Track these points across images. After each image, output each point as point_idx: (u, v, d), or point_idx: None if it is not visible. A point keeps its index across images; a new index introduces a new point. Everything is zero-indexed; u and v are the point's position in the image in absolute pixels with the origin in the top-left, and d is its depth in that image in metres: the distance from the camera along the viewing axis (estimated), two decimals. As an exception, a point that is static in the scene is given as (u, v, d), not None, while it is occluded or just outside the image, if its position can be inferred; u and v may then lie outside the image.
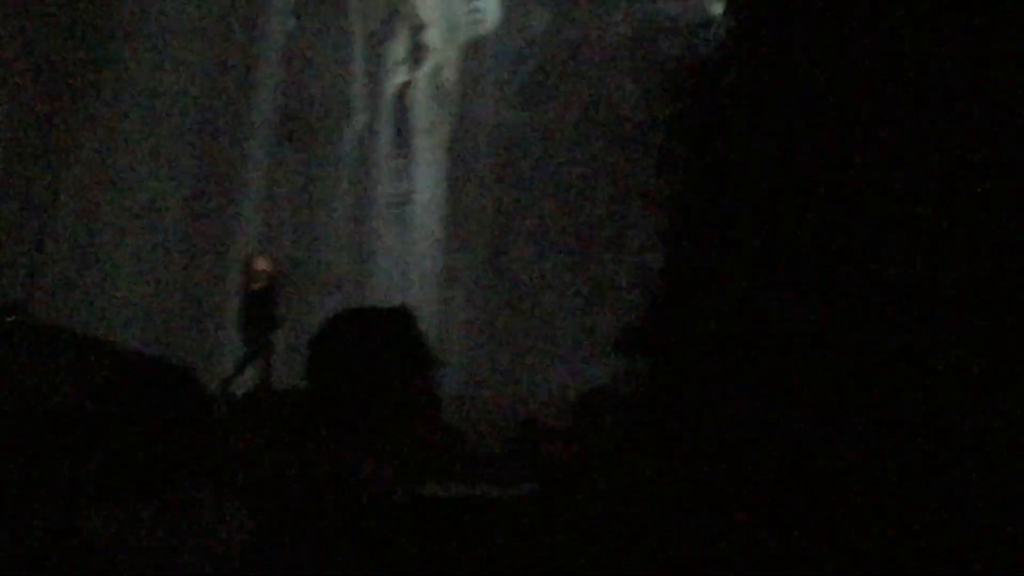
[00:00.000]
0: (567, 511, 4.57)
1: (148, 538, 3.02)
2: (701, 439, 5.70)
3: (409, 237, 29.06)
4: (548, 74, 35.08)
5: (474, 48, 32.08)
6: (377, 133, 26.26)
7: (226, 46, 17.56)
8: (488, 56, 32.61)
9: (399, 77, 28.22)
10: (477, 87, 32.38)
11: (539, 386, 32.55)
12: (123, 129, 15.22)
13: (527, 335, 36.92)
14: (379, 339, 2.39)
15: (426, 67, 29.98)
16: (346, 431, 2.34)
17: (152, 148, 15.45)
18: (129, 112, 15.33)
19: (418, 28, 29.03)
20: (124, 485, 3.10)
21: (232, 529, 2.62)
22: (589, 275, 37.81)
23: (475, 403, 16.74)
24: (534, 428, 10.67)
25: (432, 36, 29.80)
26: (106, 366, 3.34)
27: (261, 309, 16.26)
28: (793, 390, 2.15)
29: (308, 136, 23.26)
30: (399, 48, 27.92)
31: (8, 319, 10.04)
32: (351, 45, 24.44)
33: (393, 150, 27.96)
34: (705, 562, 4.19)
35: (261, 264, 16.71)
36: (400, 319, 2.46)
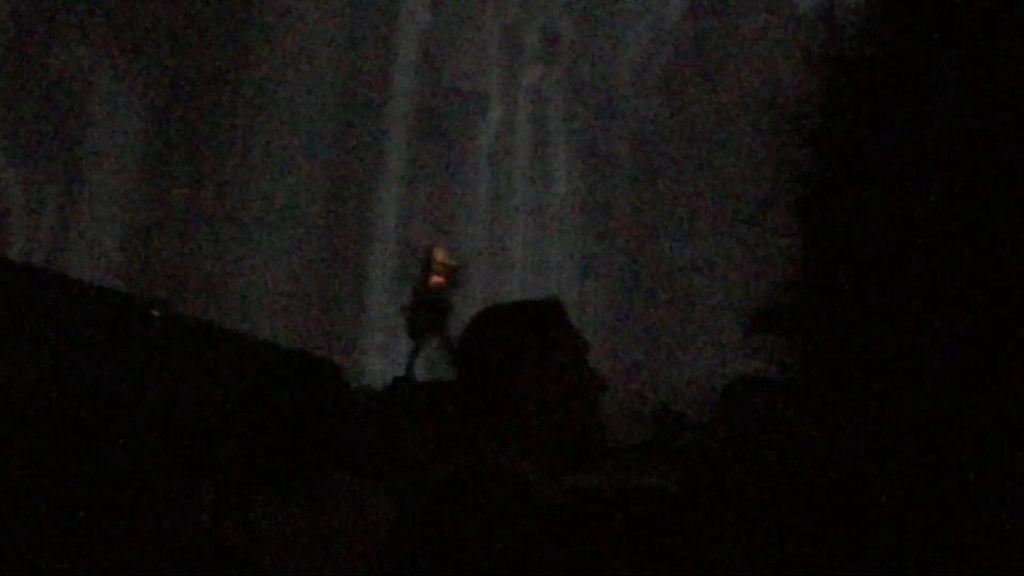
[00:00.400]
0: (708, 502, 4.53)
1: (296, 528, 3.05)
2: (839, 431, 5.61)
3: (546, 230, 29.06)
4: (684, 64, 34.92)
5: (610, 38, 32.01)
6: (513, 125, 26.27)
7: (364, 41, 17.72)
8: (625, 46, 32.53)
9: (536, 69, 28.19)
10: (613, 77, 32.31)
11: (680, 376, 32.49)
12: (264, 126, 15.44)
13: (667, 326, 36.88)
14: (538, 329, 2.36)
15: (562, 58, 29.92)
16: (496, 424, 2.32)
17: (292, 145, 15.64)
18: (269, 109, 15.54)
19: (553, 19, 28.97)
20: (271, 477, 3.13)
21: (377, 519, 2.63)
22: (731, 263, 37.63)
23: (616, 394, 16.75)
24: (670, 417, 10.62)
25: (567, 27, 29.74)
26: (249, 360, 3.39)
27: (438, 303, 16.37)
28: (929, 386, 2.08)
29: (445, 129, 23.37)
30: (535, 40, 27.90)
31: (154, 313, 10.25)
32: (487, 37, 24.49)
33: (530, 141, 27.95)
34: (838, 554, 4.14)
35: (441, 256, 16.83)
36: (552, 311, 2.43)
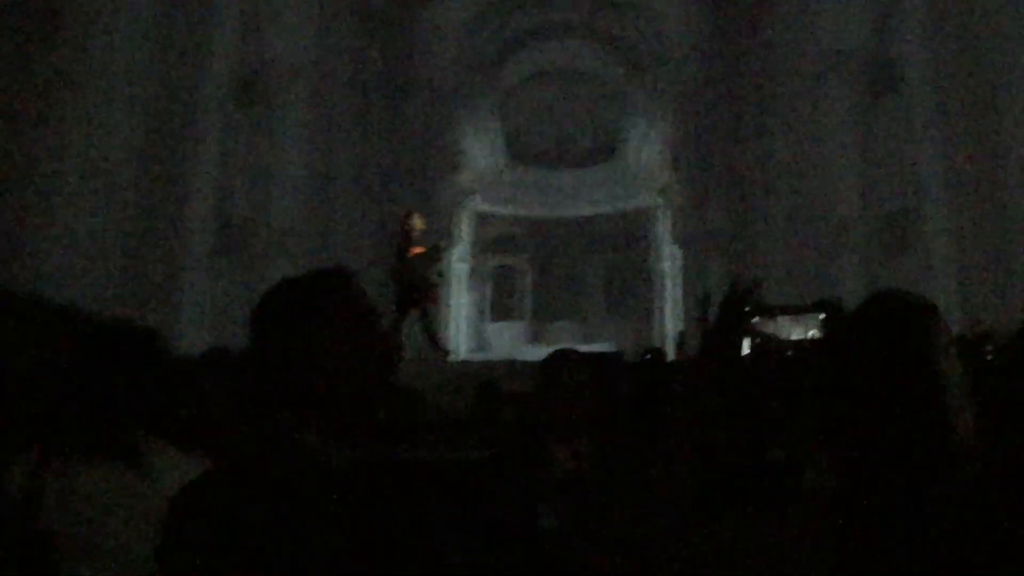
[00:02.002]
0: (526, 475, 4.56)
1: (114, 495, 3.01)
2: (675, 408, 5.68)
3: (368, 202, 28.98)
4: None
5: (429, 12, 31.94)
6: (334, 96, 26.12)
7: (183, 8, 17.46)
8: (443, 24, 32.54)
9: (356, 40, 28.04)
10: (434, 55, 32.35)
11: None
12: (77, 89, 15.08)
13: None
14: (319, 300, 2.36)
15: (382, 28, 29.84)
16: (286, 395, 2.31)
17: (106, 111, 15.32)
18: (82, 72, 15.18)
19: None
20: (88, 445, 3.09)
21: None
22: (555, 237, 38.04)
23: (436, 368, 16.77)
24: (493, 392, 10.68)
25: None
26: (66, 330, 3.33)
27: (423, 277, 15.89)
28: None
29: (261, 99, 23.15)
30: (351, 12, 27.75)
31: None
32: (306, 7, 24.27)
33: (350, 113, 27.82)
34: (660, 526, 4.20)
35: (420, 223, 16.33)
36: (337, 280, 2.43)
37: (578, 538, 4.41)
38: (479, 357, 31.48)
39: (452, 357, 20.28)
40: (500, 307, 37.99)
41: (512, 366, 16.01)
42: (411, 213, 16.58)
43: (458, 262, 34.79)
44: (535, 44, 35.56)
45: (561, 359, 4.87)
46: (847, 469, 2.07)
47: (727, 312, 2.40)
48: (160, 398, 3.33)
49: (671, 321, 33.59)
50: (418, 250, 15.90)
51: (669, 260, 34.54)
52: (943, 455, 1.97)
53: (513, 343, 34.86)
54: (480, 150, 35.79)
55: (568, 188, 37.80)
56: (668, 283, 34.73)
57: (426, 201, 31.26)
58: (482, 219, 36.75)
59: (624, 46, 34.45)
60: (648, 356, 9.84)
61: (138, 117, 16.02)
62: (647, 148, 35.58)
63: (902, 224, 20.86)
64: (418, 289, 15.91)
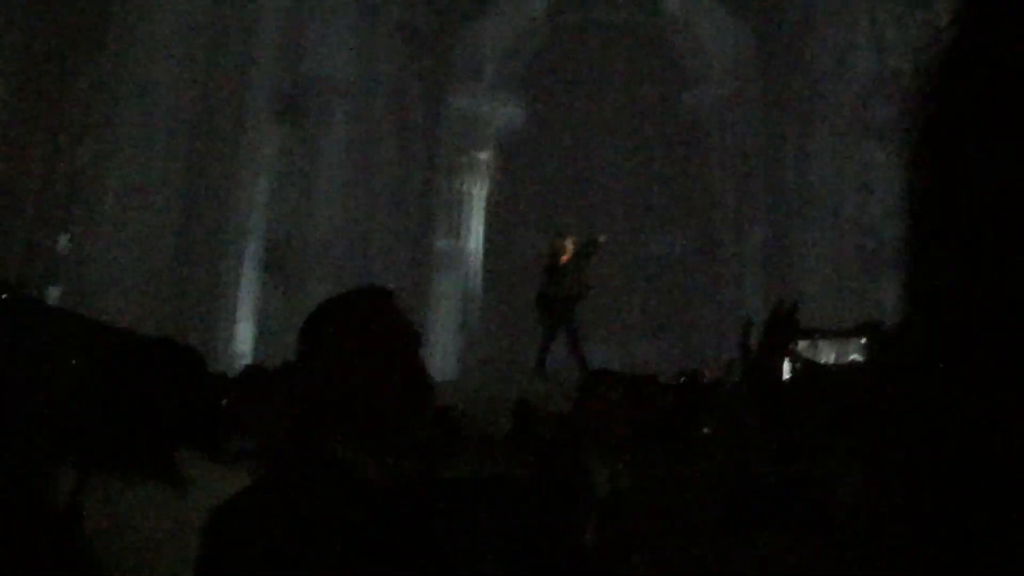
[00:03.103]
0: (565, 493, 4.57)
1: (154, 509, 3.02)
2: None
3: (405, 219, 29.09)
4: (546, 60, 35.14)
5: (474, 30, 32.10)
6: (375, 114, 26.23)
7: (224, 26, 17.53)
8: (488, 38, 32.65)
9: (397, 58, 28.14)
10: (476, 71, 32.42)
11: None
12: (121, 110, 15.19)
13: (529, 318, 37.15)
14: (361, 319, 2.38)
15: (423, 48, 29.95)
16: (331, 412, 2.33)
17: (150, 128, 15.42)
18: (127, 92, 15.29)
19: (411, 9, 28.93)
20: (129, 460, 3.10)
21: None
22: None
23: (474, 387, 16.74)
24: (529, 411, 10.68)
25: (429, 16, 29.76)
26: (106, 346, 3.36)
27: (569, 291, 16.09)
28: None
29: (303, 116, 23.25)
30: (396, 28, 27.85)
31: (1, 296, 10.04)
32: (350, 26, 24.38)
33: (391, 130, 27.93)
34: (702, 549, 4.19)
35: (570, 244, 16.55)
36: (378, 300, 2.45)
37: (617, 556, 4.41)
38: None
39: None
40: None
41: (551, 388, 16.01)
42: (562, 235, 16.88)
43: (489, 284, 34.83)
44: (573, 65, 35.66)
45: (599, 379, 4.88)
46: (883, 490, 2.06)
47: (770, 336, 2.40)
48: (201, 415, 3.35)
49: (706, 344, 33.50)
50: (566, 259, 16.22)
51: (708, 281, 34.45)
52: (984, 475, 1.96)
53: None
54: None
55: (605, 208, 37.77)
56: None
57: (459, 223, 31.41)
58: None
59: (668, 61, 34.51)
60: (684, 379, 9.84)
61: (181, 133, 16.13)
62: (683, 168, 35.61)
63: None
64: (570, 298, 16.11)
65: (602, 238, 17.71)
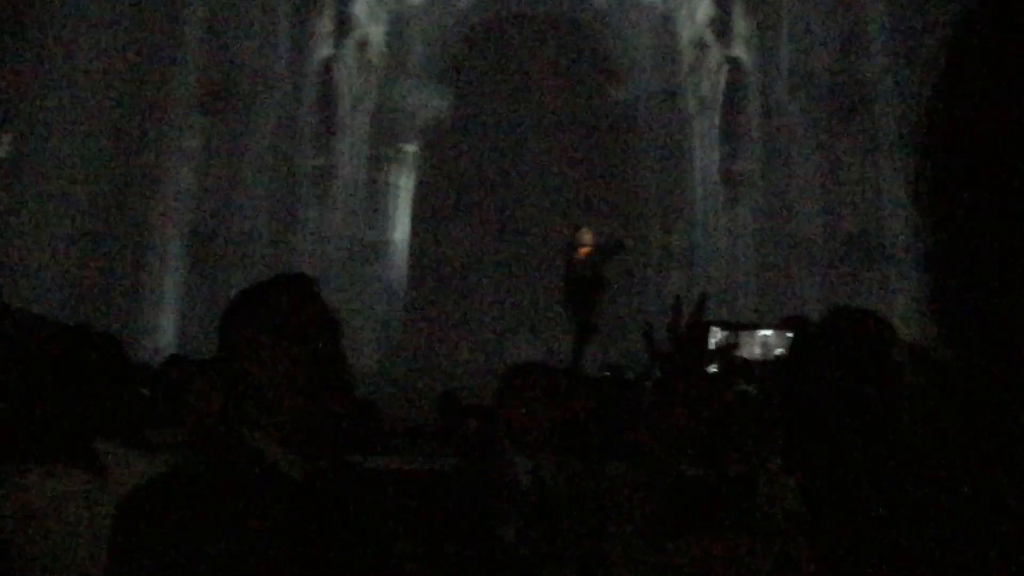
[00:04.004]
0: (485, 486, 4.56)
1: (68, 497, 2.99)
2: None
3: (330, 211, 28.99)
4: (473, 54, 35.16)
5: (400, 23, 32.07)
6: (301, 105, 26.12)
7: (150, 16, 17.37)
8: (415, 31, 32.62)
9: (324, 50, 28.02)
10: (402, 64, 32.37)
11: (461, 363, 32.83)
12: (43, 99, 15.01)
13: (447, 314, 37.24)
14: (279, 306, 2.36)
15: (352, 40, 29.83)
16: (249, 404, 2.31)
17: (73, 116, 15.25)
18: (49, 81, 15.12)
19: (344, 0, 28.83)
20: (43, 449, 3.07)
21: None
22: (510, 255, 38.08)
23: (398, 379, 16.73)
24: (453, 403, 10.69)
25: (359, 9, 29.66)
26: (22, 333, 3.31)
27: (589, 280, 16.04)
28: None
29: (230, 107, 23.09)
30: (325, 20, 27.72)
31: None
32: (276, 16, 24.26)
33: (317, 123, 27.83)
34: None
35: (588, 236, 16.52)
36: (301, 285, 2.43)
37: (535, 551, 4.41)
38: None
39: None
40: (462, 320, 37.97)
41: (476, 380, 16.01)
42: (580, 227, 16.97)
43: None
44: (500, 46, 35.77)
45: (522, 372, 4.88)
46: (806, 484, 2.08)
47: (694, 329, 2.41)
48: (120, 403, 3.32)
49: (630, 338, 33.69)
50: (584, 250, 16.27)
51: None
52: (902, 468, 1.98)
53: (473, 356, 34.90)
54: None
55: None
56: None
57: (386, 211, 31.44)
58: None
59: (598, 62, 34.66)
60: (608, 372, 9.88)
61: (105, 122, 15.97)
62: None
63: (864, 244, 20.98)
64: (586, 291, 16.15)
65: (629, 242, 17.82)
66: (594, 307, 16.47)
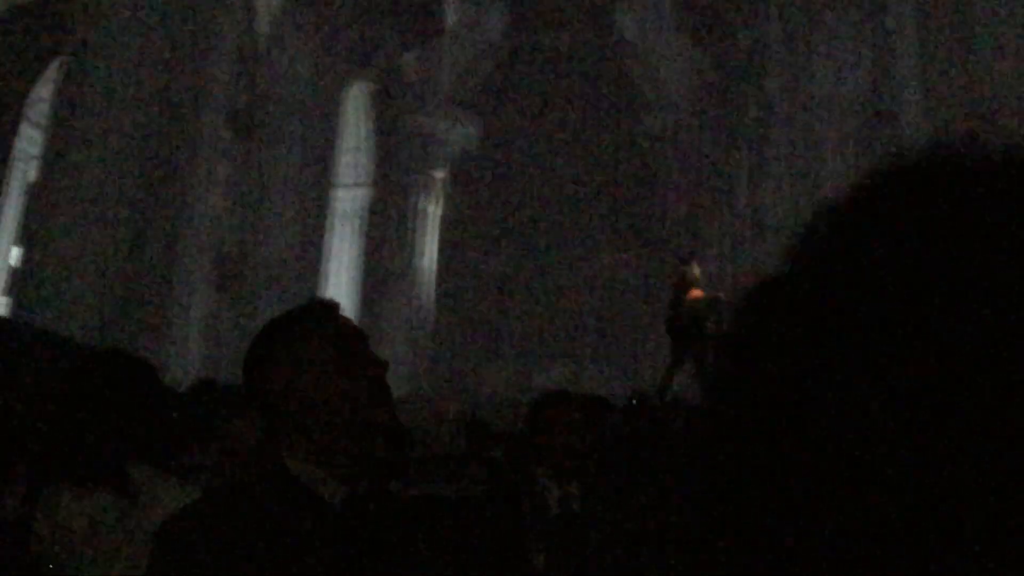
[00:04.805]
0: (516, 514, 4.57)
1: (102, 519, 3.01)
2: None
3: (358, 237, 29.10)
4: (503, 82, 35.28)
5: (431, 50, 32.18)
6: (330, 132, 26.25)
7: (180, 42, 17.49)
8: (445, 59, 32.75)
9: (354, 77, 28.15)
10: (432, 92, 32.50)
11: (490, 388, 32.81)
12: (75, 120, 15.12)
13: (478, 338, 37.23)
14: (308, 333, 2.37)
15: (381, 67, 29.97)
16: (285, 428, 2.32)
17: (104, 142, 15.35)
18: (82, 104, 15.23)
19: (374, 27, 28.96)
20: (79, 470, 3.09)
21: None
22: (538, 282, 38.08)
23: (426, 405, 16.74)
24: (483, 430, 10.69)
25: (389, 36, 29.80)
26: (59, 358, 3.33)
27: (698, 319, 15.75)
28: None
29: (259, 133, 23.22)
30: (353, 47, 27.86)
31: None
32: (306, 42, 24.39)
33: (345, 148, 27.96)
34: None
35: (696, 270, 16.34)
36: (327, 312, 2.45)
37: (566, 578, 4.41)
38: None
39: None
40: (489, 347, 37.96)
41: (504, 407, 15.98)
42: (689, 260, 16.64)
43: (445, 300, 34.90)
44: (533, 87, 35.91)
45: (551, 399, 4.89)
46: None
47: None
48: (154, 427, 3.34)
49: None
50: (696, 293, 15.98)
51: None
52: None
53: (501, 384, 34.90)
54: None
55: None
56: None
57: (411, 239, 31.56)
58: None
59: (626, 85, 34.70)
60: (635, 400, 9.85)
61: (136, 147, 16.06)
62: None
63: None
64: (693, 335, 15.87)
65: (723, 295, 17.54)
66: (688, 347, 16.21)
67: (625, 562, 4.44)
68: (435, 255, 33.20)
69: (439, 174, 33.39)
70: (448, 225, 34.58)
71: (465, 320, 36.82)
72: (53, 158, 14.80)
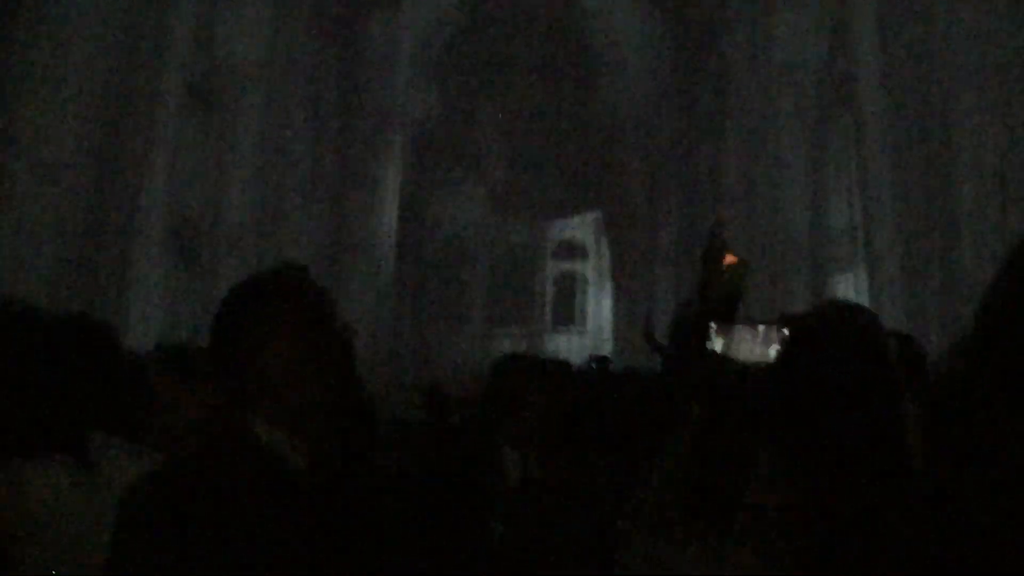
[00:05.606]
0: (474, 481, 4.57)
1: (64, 491, 2.99)
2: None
3: (318, 203, 29.01)
4: (463, 48, 35.20)
5: (390, 16, 32.06)
6: (286, 98, 26.15)
7: (137, 14, 17.37)
8: (404, 25, 32.66)
9: (313, 43, 28.04)
10: (391, 58, 32.38)
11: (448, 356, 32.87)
12: (31, 91, 14.99)
13: (436, 306, 37.27)
14: (276, 295, 2.36)
15: (340, 34, 29.87)
16: (249, 393, 2.31)
17: (60, 110, 15.24)
18: (37, 75, 15.10)
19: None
20: (37, 441, 3.06)
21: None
22: (497, 247, 38.11)
23: (385, 371, 16.75)
24: (440, 397, 10.68)
25: (346, 2, 29.72)
26: (13, 323, 3.29)
27: (732, 288, 15.31)
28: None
29: (217, 99, 23.12)
30: (311, 13, 27.74)
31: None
32: (264, 7, 24.28)
33: (304, 115, 27.86)
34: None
35: (729, 233, 16.06)
36: (296, 274, 2.44)
37: (525, 545, 4.42)
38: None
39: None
40: (448, 314, 37.96)
41: (462, 373, 16.00)
42: (721, 223, 16.39)
43: (406, 268, 34.80)
44: (489, 44, 35.84)
45: (511, 364, 4.88)
46: (794, 481, 2.09)
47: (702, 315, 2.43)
48: (115, 394, 3.31)
49: (616, 333, 33.85)
50: (730, 259, 15.73)
51: (615, 272, 34.71)
52: (890, 464, 2.00)
53: (459, 350, 34.91)
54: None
55: (517, 195, 37.90)
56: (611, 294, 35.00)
57: (373, 205, 31.46)
58: (430, 225, 36.79)
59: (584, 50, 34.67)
60: (595, 364, 9.84)
61: (91, 116, 15.94)
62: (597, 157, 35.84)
63: (850, 239, 21.03)
64: (723, 300, 15.59)
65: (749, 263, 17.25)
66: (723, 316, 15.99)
67: (586, 529, 4.46)
68: (395, 221, 33.12)
69: (397, 139, 33.28)
70: (408, 190, 34.52)
71: (425, 285, 36.86)
72: (8, 121, 14.66)
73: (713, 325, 2.40)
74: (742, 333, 2.70)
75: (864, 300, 16.86)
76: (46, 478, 2.98)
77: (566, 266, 38.03)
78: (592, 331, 36.52)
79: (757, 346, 2.77)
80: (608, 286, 35.52)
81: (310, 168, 28.38)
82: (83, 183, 15.59)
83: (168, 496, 2.09)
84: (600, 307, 36.46)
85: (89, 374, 3.22)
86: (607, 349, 31.65)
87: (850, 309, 2.46)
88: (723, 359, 2.50)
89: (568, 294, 37.97)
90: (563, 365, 5.21)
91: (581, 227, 37.25)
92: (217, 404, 3.42)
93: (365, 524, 2.36)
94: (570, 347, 33.19)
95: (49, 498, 2.95)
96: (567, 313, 37.89)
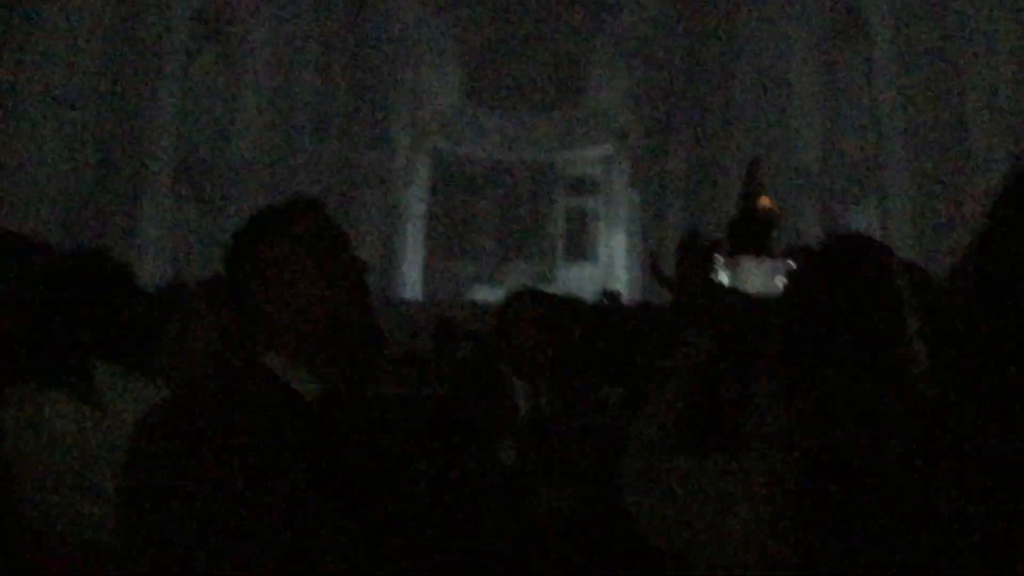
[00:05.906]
0: (484, 411, 4.60)
1: (72, 420, 3.01)
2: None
3: (327, 138, 28.90)
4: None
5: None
6: (294, 31, 26.01)
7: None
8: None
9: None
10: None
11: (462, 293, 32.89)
12: (39, 27, 14.95)
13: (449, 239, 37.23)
14: (289, 226, 2.37)
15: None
16: (260, 324, 2.33)
17: (68, 45, 15.20)
18: (45, 10, 15.04)
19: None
20: (48, 372, 3.08)
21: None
22: (516, 180, 38.00)
23: (393, 306, 16.74)
24: (450, 330, 10.71)
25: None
26: (25, 257, 3.31)
27: (766, 225, 15.13)
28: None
29: (226, 35, 23.02)
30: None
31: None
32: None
33: (313, 48, 27.71)
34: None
35: (767, 203, 15.84)
36: (309, 206, 2.44)
37: (534, 474, 4.46)
38: (439, 297, 31.54)
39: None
40: (459, 248, 37.87)
41: (472, 307, 16.02)
42: (760, 161, 16.13)
43: (416, 202, 34.66)
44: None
45: (522, 298, 4.90)
46: (800, 406, 2.10)
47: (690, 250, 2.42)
48: (125, 327, 3.33)
49: (628, 267, 33.81)
50: (767, 201, 15.56)
51: (628, 205, 34.58)
52: (899, 391, 2.01)
53: (470, 284, 34.87)
54: (440, 88, 35.62)
55: (528, 130, 37.68)
56: (625, 228, 34.87)
57: (384, 139, 31.29)
58: (441, 159, 36.54)
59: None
60: (605, 299, 9.86)
61: (99, 50, 15.91)
62: (608, 91, 35.56)
63: (862, 171, 20.96)
64: (753, 238, 15.42)
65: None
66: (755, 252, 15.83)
67: (593, 460, 4.49)
68: (407, 154, 33.00)
69: (410, 72, 33.09)
70: (420, 125, 34.38)
71: (441, 219, 36.77)
72: (17, 59, 14.63)
73: (719, 257, 2.39)
74: (749, 265, 2.70)
75: (875, 233, 16.83)
76: (53, 404, 3.01)
77: (577, 201, 37.91)
78: (604, 264, 36.43)
79: (763, 278, 2.78)
80: (620, 220, 35.39)
81: (320, 100, 28.26)
82: (91, 118, 15.58)
83: (182, 423, 2.10)
84: (612, 241, 36.35)
85: (97, 306, 3.24)
86: (620, 284, 31.64)
87: (859, 242, 2.45)
88: (730, 290, 2.50)
89: (580, 229, 37.84)
90: (574, 301, 5.22)
91: (592, 161, 37.10)
92: (229, 335, 3.44)
93: (376, 454, 2.38)
94: (581, 281, 33.11)
95: (56, 423, 2.97)
96: (579, 247, 37.78)
